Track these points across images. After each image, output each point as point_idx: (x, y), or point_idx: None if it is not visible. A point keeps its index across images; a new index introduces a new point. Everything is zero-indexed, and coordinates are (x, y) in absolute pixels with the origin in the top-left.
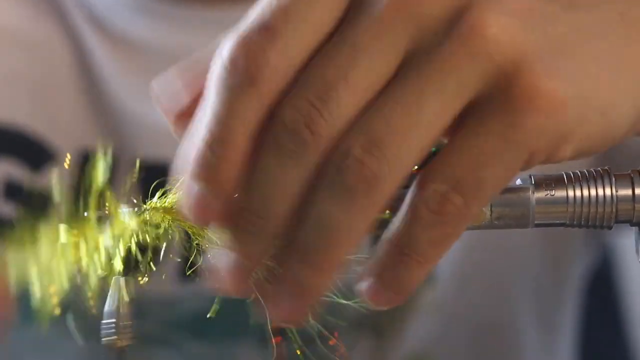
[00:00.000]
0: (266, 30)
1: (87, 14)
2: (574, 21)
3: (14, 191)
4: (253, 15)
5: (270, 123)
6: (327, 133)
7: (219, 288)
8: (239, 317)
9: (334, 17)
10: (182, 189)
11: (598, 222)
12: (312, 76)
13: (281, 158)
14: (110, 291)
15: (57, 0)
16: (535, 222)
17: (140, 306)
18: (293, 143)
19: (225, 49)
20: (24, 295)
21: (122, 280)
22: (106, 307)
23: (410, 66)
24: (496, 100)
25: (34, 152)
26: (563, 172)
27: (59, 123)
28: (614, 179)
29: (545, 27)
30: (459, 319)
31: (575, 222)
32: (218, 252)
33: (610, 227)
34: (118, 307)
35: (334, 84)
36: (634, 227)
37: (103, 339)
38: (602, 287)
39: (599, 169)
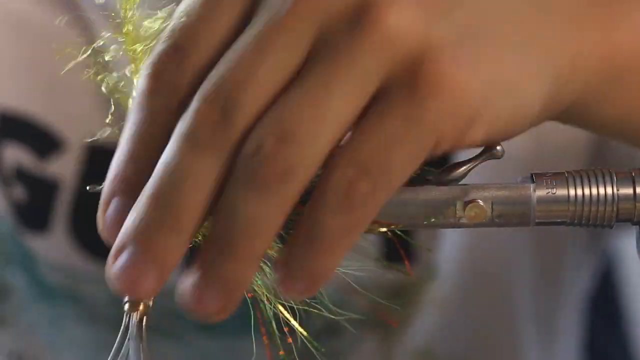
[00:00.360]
0: (176, 52)
1: (101, 7)
2: (478, 5)
3: (23, 176)
4: (163, 39)
5: (183, 116)
6: (241, 126)
7: (123, 290)
8: (248, 311)
9: (238, 21)
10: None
11: (599, 220)
12: (221, 76)
13: (195, 148)
14: None
15: None
16: (536, 220)
17: None
18: (209, 134)
19: (143, 75)
20: (37, 273)
21: None
22: None
23: (317, 58)
24: (400, 86)
25: (41, 140)
26: (564, 171)
27: (70, 113)
28: (615, 178)
29: (449, 13)
30: (461, 315)
31: (576, 221)
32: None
33: (611, 226)
34: None
35: (244, 81)
36: (635, 226)
37: (123, 304)
38: (605, 289)
39: (600, 167)
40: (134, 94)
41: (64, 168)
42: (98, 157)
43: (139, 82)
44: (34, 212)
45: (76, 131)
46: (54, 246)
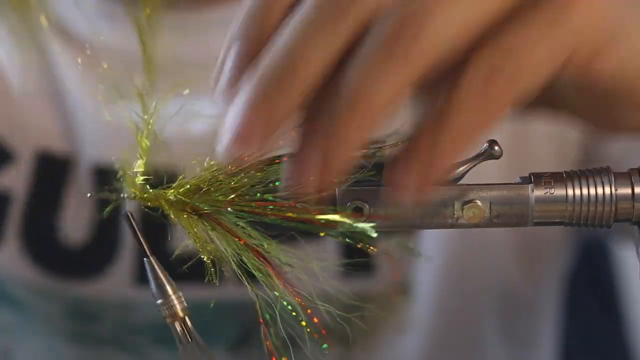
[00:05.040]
0: None
1: (53, 20)
2: None
3: None
4: None
5: (301, 5)
6: (358, 19)
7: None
8: (208, 323)
9: None
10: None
11: (597, 220)
12: None
13: (314, 31)
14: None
15: None
16: (535, 220)
17: (93, 309)
18: (328, 20)
19: None
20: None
21: (150, 260)
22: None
23: None
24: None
25: None
26: (563, 171)
27: (20, 124)
28: (613, 178)
29: None
30: (437, 336)
31: (574, 221)
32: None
33: (609, 226)
34: (159, 285)
35: None
36: (634, 226)
37: (163, 319)
38: (605, 293)
39: (598, 167)
40: None
41: (14, 180)
42: (47, 166)
43: None
44: None
45: (25, 142)
46: (8, 259)
